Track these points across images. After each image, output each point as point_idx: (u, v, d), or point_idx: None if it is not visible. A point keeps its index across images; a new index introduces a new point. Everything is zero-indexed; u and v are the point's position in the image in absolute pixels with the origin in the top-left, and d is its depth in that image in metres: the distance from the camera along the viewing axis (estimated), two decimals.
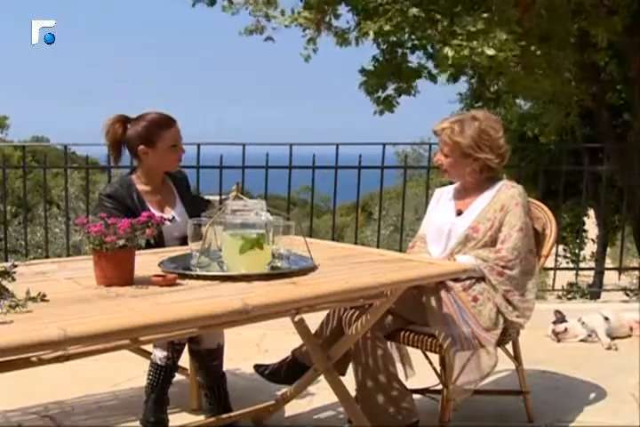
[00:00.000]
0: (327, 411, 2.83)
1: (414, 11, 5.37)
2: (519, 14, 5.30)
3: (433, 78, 6.04)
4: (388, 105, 6.47)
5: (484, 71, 6.46)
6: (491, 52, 4.98)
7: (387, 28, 5.43)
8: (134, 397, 2.89)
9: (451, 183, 2.79)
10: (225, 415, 2.59)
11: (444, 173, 2.67)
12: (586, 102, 7.75)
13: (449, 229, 2.60)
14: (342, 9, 6.20)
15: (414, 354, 2.69)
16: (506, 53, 5.05)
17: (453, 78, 6.15)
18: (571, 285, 7.86)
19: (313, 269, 2.16)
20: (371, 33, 5.56)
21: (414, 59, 6.30)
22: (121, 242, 1.91)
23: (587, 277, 9.57)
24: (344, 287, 1.96)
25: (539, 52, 5.49)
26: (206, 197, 3.21)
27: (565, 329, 3.81)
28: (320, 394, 2.89)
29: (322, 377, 2.52)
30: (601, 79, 7.90)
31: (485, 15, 5.22)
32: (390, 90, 6.47)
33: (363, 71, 6.38)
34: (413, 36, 5.94)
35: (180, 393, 2.80)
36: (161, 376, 2.53)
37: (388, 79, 6.32)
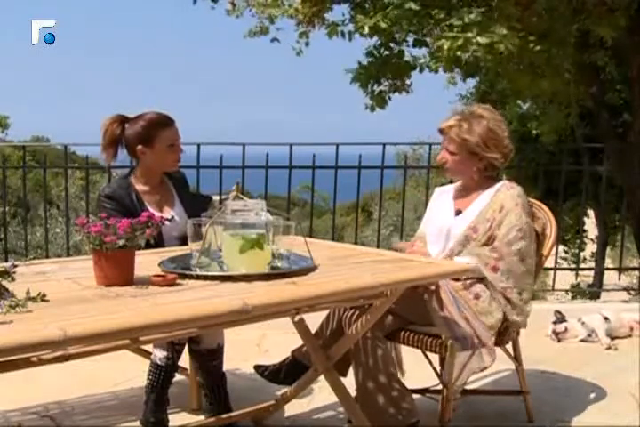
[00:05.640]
0: (327, 411, 2.83)
1: (411, 4, 5.33)
2: (519, 12, 5.28)
3: (431, 69, 5.98)
4: (379, 101, 6.42)
5: (486, 70, 6.42)
6: (484, 40, 4.93)
7: (383, 25, 5.40)
8: (134, 397, 2.89)
9: (451, 182, 2.79)
10: (225, 415, 2.59)
11: (446, 172, 2.66)
12: (586, 102, 7.73)
13: (448, 228, 2.60)
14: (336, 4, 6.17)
15: (414, 354, 2.69)
16: (505, 45, 5.00)
17: (450, 70, 6.08)
18: (571, 285, 7.85)
19: (313, 269, 2.15)
20: (366, 28, 5.52)
21: (409, 55, 6.28)
22: (121, 242, 1.91)
23: (587, 278, 9.57)
24: (344, 287, 1.96)
25: (538, 48, 5.45)
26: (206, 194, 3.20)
27: (565, 329, 3.81)
28: (320, 394, 2.89)
29: (322, 377, 2.52)
30: (601, 79, 7.89)
31: (482, 9, 5.19)
32: (384, 86, 6.43)
33: (360, 65, 6.33)
34: (411, 32, 5.89)
35: (179, 393, 2.80)
36: (161, 376, 2.54)
37: (383, 75, 6.27)
